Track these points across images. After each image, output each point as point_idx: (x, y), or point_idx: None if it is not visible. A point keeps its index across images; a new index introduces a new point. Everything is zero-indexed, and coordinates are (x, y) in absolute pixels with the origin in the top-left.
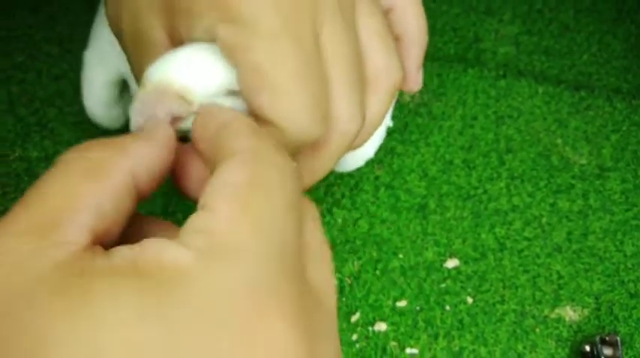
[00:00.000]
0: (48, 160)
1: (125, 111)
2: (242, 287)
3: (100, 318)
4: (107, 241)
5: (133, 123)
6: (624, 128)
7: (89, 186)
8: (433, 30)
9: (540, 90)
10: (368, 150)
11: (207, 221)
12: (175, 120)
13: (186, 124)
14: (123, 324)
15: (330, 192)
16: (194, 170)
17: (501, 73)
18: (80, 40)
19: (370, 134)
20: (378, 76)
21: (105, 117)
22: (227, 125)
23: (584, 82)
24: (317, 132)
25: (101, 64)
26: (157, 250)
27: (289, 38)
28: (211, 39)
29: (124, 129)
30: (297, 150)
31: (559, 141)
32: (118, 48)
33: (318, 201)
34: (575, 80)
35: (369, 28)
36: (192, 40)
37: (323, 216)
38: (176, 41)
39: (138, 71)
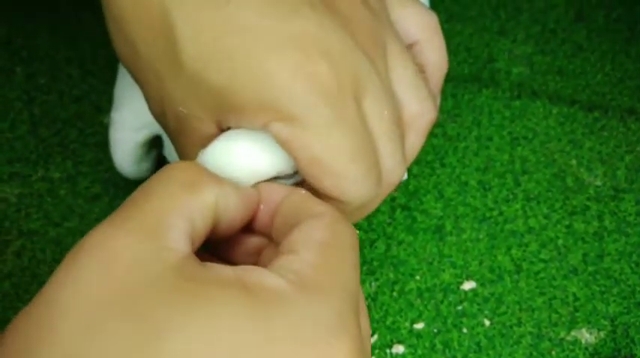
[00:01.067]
0: (70, 181)
1: (153, 163)
2: (324, 317)
3: (217, 317)
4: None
5: None
6: (638, 148)
7: (186, 197)
8: (447, 50)
9: (554, 111)
10: None
11: (296, 264)
12: None
13: None
14: (234, 326)
15: None
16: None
17: (516, 93)
18: (101, 61)
19: (442, 78)
20: (414, 121)
21: (134, 172)
22: (294, 192)
23: (598, 102)
24: (374, 194)
25: (131, 126)
26: (259, 274)
27: (340, 123)
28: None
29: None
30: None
31: (574, 162)
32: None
33: None
34: (588, 100)
35: (403, 76)
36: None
37: None
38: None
39: (183, 155)
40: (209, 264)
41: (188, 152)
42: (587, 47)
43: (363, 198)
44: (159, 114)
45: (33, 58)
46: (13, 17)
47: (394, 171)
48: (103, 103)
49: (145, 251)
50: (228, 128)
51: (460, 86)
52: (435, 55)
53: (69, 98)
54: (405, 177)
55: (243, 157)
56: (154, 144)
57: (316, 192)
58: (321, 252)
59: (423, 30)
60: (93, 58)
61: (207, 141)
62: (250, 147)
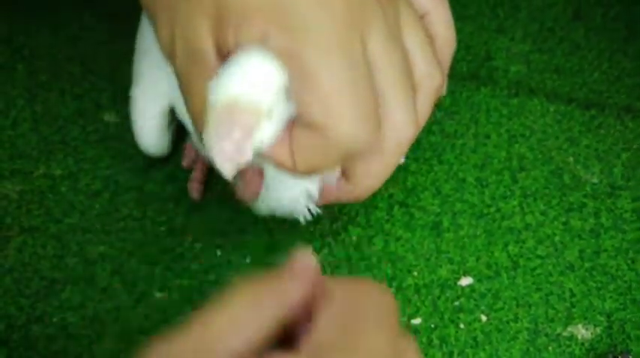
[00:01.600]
0: (71, 177)
1: (171, 138)
2: None
3: None
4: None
5: (216, 150)
6: (635, 146)
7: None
8: None
9: (552, 108)
10: None
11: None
12: (250, 132)
13: (262, 133)
14: None
15: (344, 210)
16: None
17: (513, 91)
18: (101, 59)
19: (450, 55)
20: (422, 81)
21: (156, 146)
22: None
23: (595, 100)
24: (367, 140)
25: (151, 97)
26: None
27: (341, 50)
28: (259, 44)
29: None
30: (352, 159)
31: (571, 159)
32: (166, 78)
33: (333, 219)
34: (586, 98)
35: (413, 37)
36: (239, 46)
37: (338, 233)
38: (224, 52)
39: (190, 91)
40: None
41: (194, 86)
42: (585, 45)
43: (352, 139)
44: (169, 51)
45: (34, 55)
46: (15, 16)
47: (404, 127)
48: (103, 101)
49: None
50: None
51: (458, 84)
52: (444, 28)
53: (70, 96)
54: (402, 160)
55: (252, 81)
56: (172, 119)
57: (304, 127)
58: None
59: (433, 1)
60: (94, 57)
61: (212, 70)
62: (255, 67)
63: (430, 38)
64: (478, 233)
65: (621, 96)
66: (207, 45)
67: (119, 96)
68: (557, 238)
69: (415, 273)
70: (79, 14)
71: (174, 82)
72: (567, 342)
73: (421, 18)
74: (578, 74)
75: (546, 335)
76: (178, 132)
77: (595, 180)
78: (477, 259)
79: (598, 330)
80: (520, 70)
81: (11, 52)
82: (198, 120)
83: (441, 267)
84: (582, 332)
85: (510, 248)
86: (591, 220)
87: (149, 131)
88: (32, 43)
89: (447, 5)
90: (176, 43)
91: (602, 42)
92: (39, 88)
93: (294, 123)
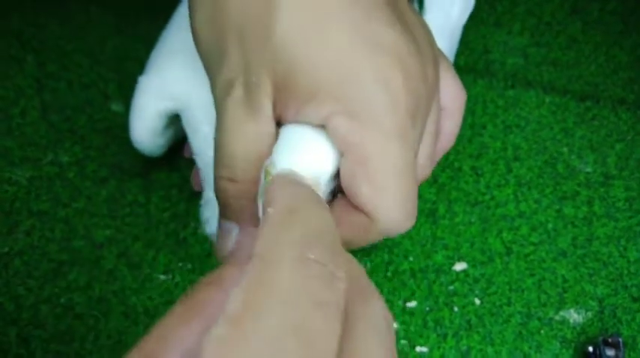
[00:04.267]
0: (78, 164)
1: (168, 143)
2: None
3: None
4: None
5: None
6: (629, 137)
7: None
8: None
9: (547, 100)
10: None
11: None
12: None
13: None
14: None
15: None
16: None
17: (510, 83)
18: (108, 51)
19: (446, 150)
20: (454, 103)
21: (149, 146)
22: None
23: (591, 93)
24: (407, 227)
25: (157, 93)
26: None
27: (399, 138)
28: (318, 123)
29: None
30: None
31: (565, 149)
32: (183, 83)
33: None
34: (581, 91)
35: (428, 128)
36: (298, 119)
37: None
38: (279, 115)
39: (231, 129)
40: None
41: (239, 127)
42: (582, 39)
43: (394, 226)
44: (226, 82)
45: (43, 47)
46: (25, 9)
47: (422, 177)
48: (110, 91)
49: None
50: (279, 124)
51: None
52: (451, 128)
53: (78, 86)
54: None
55: (314, 159)
56: (172, 122)
57: (348, 205)
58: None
59: (453, 101)
60: (101, 48)
61: (264, 124)
62: (316, 145)
63: (438, 131)
64: (473, 220)
65: (616, 89)
66: (266, 101)
67: (125, 86)
68: (550, 225)
69: (411, 258)
70: (86, 7)
71: (194, 93)
72: (559, 326)
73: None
74: (575, 67)
75: (539, 318)
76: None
77: (589, 170)
78: (472, 245)
79: (589, 315)
80: (517, 63)
81: (21, 44)
82: (224, 155)
83: (436, 252)
84: (574, 316)
85: (504, 235)
86: (584, 208)
87: (145, 128)
88: (41, 35)
89: (463, 109)
90: (235, 83)
91: (599, 35)
92: (48, 78)
93: (341, 200)
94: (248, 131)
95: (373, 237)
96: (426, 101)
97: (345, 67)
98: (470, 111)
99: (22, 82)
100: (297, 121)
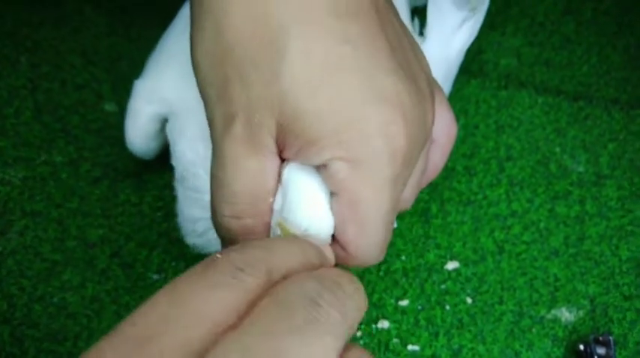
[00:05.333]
0: (72, 164)
1: (161, 146)
2: None
3: None
4: None
5: None
6: (621, 137)
7: None
8: None
9: (540, 100)
10: None
11: None
12: None
13: None
14: None
15: None
16: None
17: (503, 83)
18: (102, 51)
19: (431, 180)
20: (444, 137)
21: (143, 149)
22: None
23: (583, 93)
24: (379, 260)
25: (150, 97)
26: None
27: (392, 186)
28: (318, 164)
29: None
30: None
31: (557, 149)
32: (174, 86)
33: None
34: (574, 91)
35: (417, 169)
36: (296, 157)
37: None
38: (279, 153)
39: (229, 162)
40: None
41: (240, 161)
42: (575, 39)
43: (370, 261)
44: (225, 116)
45: (37, 48)
46: (19, 10)
47: (407, 206)
48: (103, 91)
49: None
50: (282, 160)
51: None
52: (439, 160)
53: (71, 86)
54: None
55: (322, 216)
56: (165, 127)
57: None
58: None
59: (445, 135)
60: (94, 49)
61: (262, 156)
62: (321, 198)
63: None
64: (465, 219)
65: (609, 89)
66: (269, 140)
67: (119, 86)
68: (542, 224)
69: (404, 257)
70: (80, 8)
71: (184, 98)
72: (551, 324)
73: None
74: (568, 67)
75: (530, 317)
76: None
77: (581, 169)
78: (464, 244)
79: (581, 313)
80: (510, 64)
81: (15, 45)
82: (226, 192)
83: (428, 251)
84: (566, 315)
85: (496, 234)
86: (576, 207)
87: (139, 131)
88: (35, 35)
89: (453, 143)
90: (236, 119)
91: (592, 36)
92: (41, 78)
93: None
94: (251, 167)
95: (349, 265)
96: (422, 144)
97: (350, 116)
98: (463, 111)
99: (16, 82)
100: (297, 160)
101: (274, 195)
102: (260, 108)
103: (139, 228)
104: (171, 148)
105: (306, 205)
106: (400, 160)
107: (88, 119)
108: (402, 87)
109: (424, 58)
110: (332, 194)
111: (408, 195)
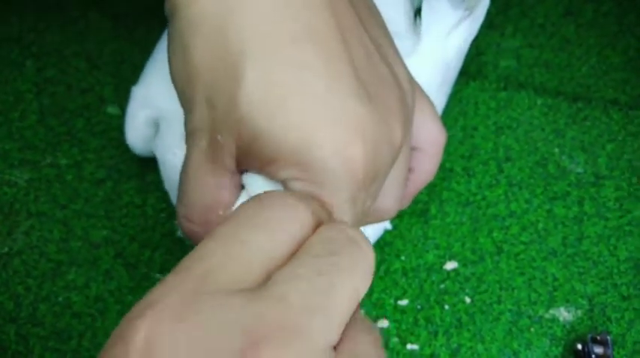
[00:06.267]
0: (76, 166)
1: None
2: None
3: None
4: None
5: None
6: (620, 138)
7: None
8: None
9: (539, 101)
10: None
11: None
12: None
13: None
14: None
15: None
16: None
17: (502, 85)
18: (106, 56)
19: (423, 186)
20: (431, 146)
21: (142, 150)
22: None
23: (583, 94)
24: None
25: (145, 102)
26: None
27: (351, 207)
28: (277, 180)
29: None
30: None
31: (556, 150)
32: (164, 92)
33: None
34: (573, 92)
35: (393, 176)
36: (255, 173)
37: None
38: (241, 168)
39: (193, 177)
40: None
41: (199, 175)
42: (575, 41)
43: None
44: (193, 130)
45: (42, 52)
46: (25, 15)
47: (390, 216)
48: (107, 95)
49: None
50: (243, 171)
51: None
52: (428, 167)
53: (76, 90)
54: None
55: None
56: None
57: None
58: None
59: (431, 144)
60: (99, 53)
61: (220, 174)
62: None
63: (409, 171)
64: (464, 220)
65: (608, 90)
66: (229, 160)
67: (122, 90)
68: (540, 225)
69: (403, 258)
70: (85, 13)
71: (172, 104)
72: (549, 324)
73: (412, 149)
74: (567, 68)
75: (529, 316)
76: None
77: (579, 170)
78: (463, 245)
79: (579, 313)
80: (509, 65)
81: (21, 49)
82: (184, 196)
83: (427, 251)
84: (564, 314)
85: (495, 234)
86: (575, 208)
87: (137, 134)
88: (40, 40)
89: (442, 151)
90: (202, 137)
91: (592, 37)
92: (46, 82)
93: None
94: (208, 182)
95: None
96: (389, 161)
97: (306, 139)
98: (462, 112)
99: (22, 86)
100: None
101: (228, 208)
102: (222, 131)
103: (143, 228)
104: (157, 152)
105: None
106: (360, 180)
107: (92, 122)
108: (362, 109)
109: (403, 68)
110: None
111: (390, 205)
